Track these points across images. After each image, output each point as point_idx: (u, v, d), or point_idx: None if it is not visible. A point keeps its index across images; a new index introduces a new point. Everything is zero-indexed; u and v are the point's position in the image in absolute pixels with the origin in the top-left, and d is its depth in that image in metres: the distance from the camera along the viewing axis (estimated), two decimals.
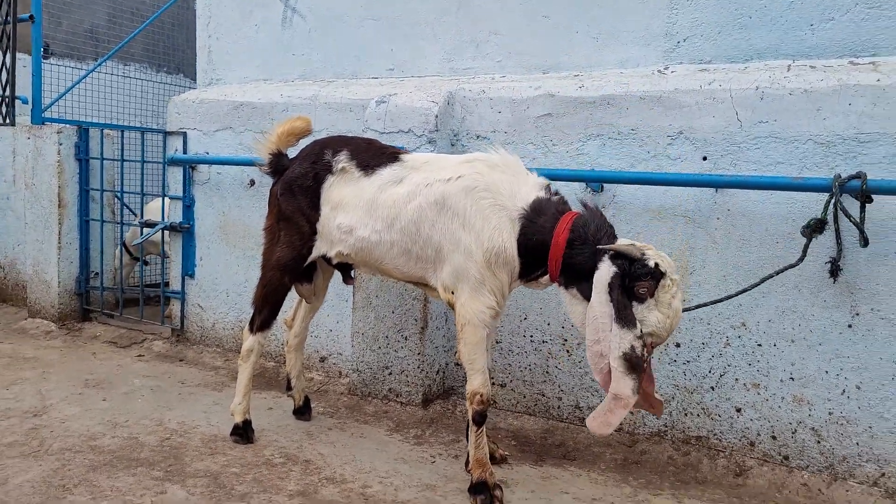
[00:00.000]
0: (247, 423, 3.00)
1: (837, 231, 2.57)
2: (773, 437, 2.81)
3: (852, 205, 2.53)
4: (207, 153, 4.18)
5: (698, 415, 2.95)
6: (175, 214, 4.29)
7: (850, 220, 2.48)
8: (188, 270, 4.28)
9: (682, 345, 2.96)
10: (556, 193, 2.47)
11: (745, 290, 2.67)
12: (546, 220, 2.39)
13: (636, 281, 2.20)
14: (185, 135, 4.25)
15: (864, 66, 2.66)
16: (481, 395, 2.51)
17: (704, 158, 2.88)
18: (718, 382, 2.91)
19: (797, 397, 2.77)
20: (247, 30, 4.25)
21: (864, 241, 2.51)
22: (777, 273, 2.62)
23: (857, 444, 2.66)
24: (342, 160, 2.76)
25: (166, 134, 4.32)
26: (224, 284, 4.19)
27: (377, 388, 3.46)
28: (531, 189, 2.46)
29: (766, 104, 2.75)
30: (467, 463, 2.61)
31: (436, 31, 3.64)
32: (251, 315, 3.01)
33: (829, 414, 2.71)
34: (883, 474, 2.62)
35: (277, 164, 2.96)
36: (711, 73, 2.92)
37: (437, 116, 3.28)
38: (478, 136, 3.36)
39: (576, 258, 2.33)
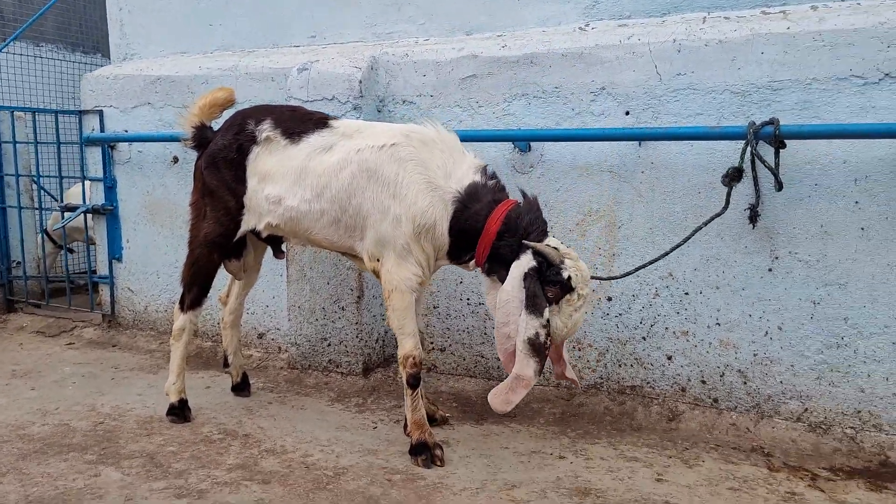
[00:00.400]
0: (183, 403, 2.94)
1: (755, 178, 2.65)
2: (703, 382, 2.91)
3: (768, 152, 2.61)
4: (126, 131, 4.01)
5: (632, 365, 3.03)
6: (97, 197, 4.12)
7: (765, 165, 2.56)
8: (115, 254, 4.13)
9: (614, 298, 3.03)
10: (493, 177, 2.48)
11: (677, 246, 2.71)
12: (480, 208, 2.40)
13: (546, 285, 2.29)
14: (101, 113, 4.06)
15: (775, 16, 2.73)
16: (413, 358, 2.52)
17: (627, 113, 2.91)
18: (649, 332, 2.98)
19: (724, 342, 2.87)
20: (160, 1, 4.06)
21: (779, 186, 2.60)
22: (705, 224, 2.68)
23: (781, 382, 2.78)
24: (266, 129, 2.68)
25: (81, 113, 4.13)
26: (154, 266, 4.06)
27: (317, 360, 3.43)
28: (467, 171, 2.45)
29: (683, 56, 2.79)
30: (405, 427, 2.63)
31: None
32: (181, 294, 2.92)
33: (754, 356, 2.82)
34: (805, 409, 2.75)
35: (201, 137, 2.86)
36: (630, 27, 2.95)
37: (360, 82, 3.22)
38: (403, 101, 3.31)
39: (503, 249, 2.38)
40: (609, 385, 3.07)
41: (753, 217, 2.72)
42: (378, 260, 2.53)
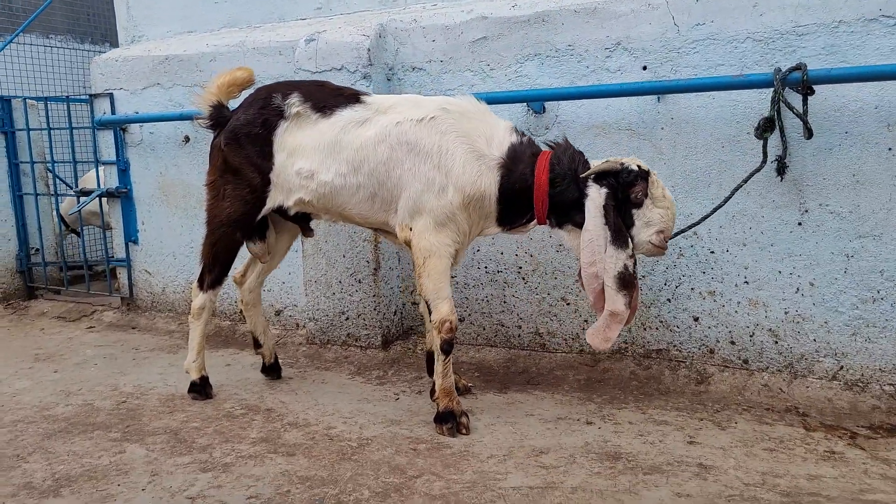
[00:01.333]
0: (204, 380, 2.92)
1: (781, 128, 2.54)
2: (732, 343, 2.83)
3: (795, 100, 2.50)
4: (137, 112, 3.98)
5: (657, 328, 2.95)
6: (111, 180, 4.11)
7: (794, 112, 2.45)
8: (131, 237, 4.12)
9: (637, 260, 2.94)
10: (524, 134, 2.46)
11: (719, 206, 2.61)
12: (525, 167, 2.39)
13: (630, 188, 2.29)
14: (111, 96, 4.04)
15: None
16: (450, 322, 2.46)
17: (644, 68, 2.81)
18: (674, 294, 2.90)
19: (752, 300, 2.78)
20: None
21: (809, 133, 2.49)
22: (745, 181, 2.57)
23: (815, 340, 2.69)
24: (295, 103, 2.60)
25: (92, 97, 4.11)
26: (170, 247, 4.05)
27: (335, 334, 3.39)
28: (503, 135, 2.43)
29: (701, 5, 2.68)
30: (433, 393, 2.58)
31: None
32: (200, 272, 2.86)
33: (785, 314, 2.73)
34: (841, 367, 2.66)
35: (219, 116, 2.77)
36: None
37: (369, 50, 3.15)
38: (413, 68, 3.24)
39: (561, 195, 2.37)
40: (634, 349, 3.00)
41: (781, 169, 2.62)
42: (411, 229, 2.47)
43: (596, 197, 2.29)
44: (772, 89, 2.48)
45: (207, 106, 2.78)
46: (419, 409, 2.72)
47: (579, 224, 2.35)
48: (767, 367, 2.77)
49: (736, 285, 2.80)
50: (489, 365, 3.16)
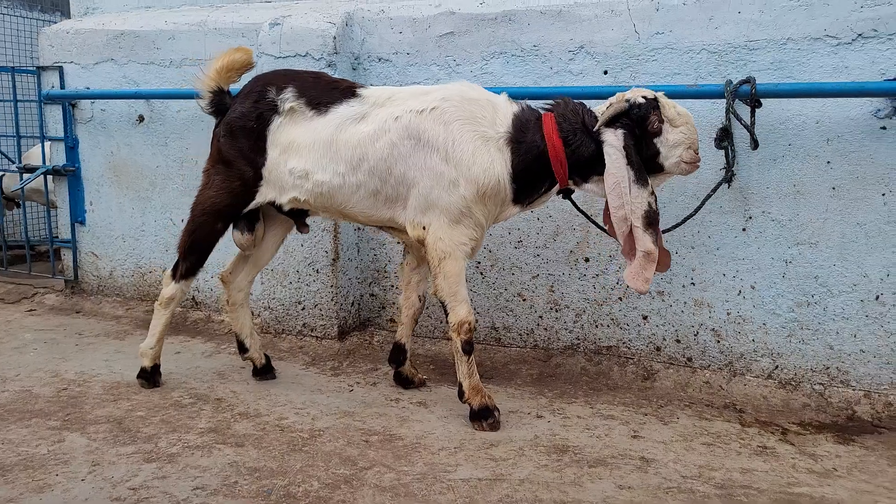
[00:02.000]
0: (155, 368, 2.85)
1: (730, 138, 2.66)
2: (678, 341, 2.95)
3: (744, 111, 2.62)
4: (88, 88, 3.85)
5: (608, 325, 3.05)
6: (58, 157, 3.96)
7: (742, 123, 2.57)
8: (78, 217, 3.98)
9: (591, 259, 3.03)
10: (521, 102, 2.45)
11: (690, 216, 2.69)
12: (533, 134, 2.37)
13: (645, 121, 2.30)
14: (61, 69, 3.89)
15: None
16: (469, 324, 2.46)
17: (605, 73, 2.89)
18: (626, 293, 3.00)
19: (698, 301, 2.90)
20: None
21: (755, 144, 2.61)
22: (713, 191, 2.65)
23: (753, 340, 2.83)
24: (289, 98, 2.53)
25: (40, 69, 3.94)
26: (119, 230, 3.93)
27: (291, 324, 3.37)
28: (505, 108, 2.41)
29: (661, 15, 2.78)
30: (461, 395, 2.52)
31: None
32: (175, 261, 2.76)
33: (728, 314, 2.86)
34: (776, 367, 2.80)
35: (219, 102, 2.67)
36: None
37: (335, 38, 3.13)
38: (380, 59, 3.23)
39: (578, 150, 2.36)
40: (586, 345, 3.09)
41: (729, 179, 2.73)
42: (424, 228, 2.43)
43: (614, 140, 2.29)
44: (724, 100, 2.59)
45: (207, 91, 2.67)
46: (373, 400, 2.74)
47: (601, 173, 2.34)
48: (709, 365, 2.90)
49: (683, 286, 2.91)
50: (445, 358, 3.20)
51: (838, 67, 2.59)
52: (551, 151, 2.35)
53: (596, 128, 2.32)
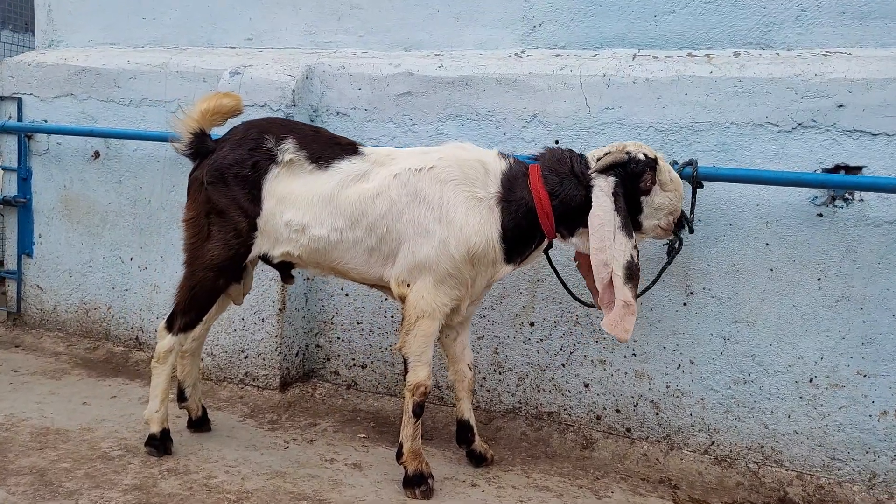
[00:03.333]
0: (165, 433, 2.67)
1: (681, 217, 2.69)
2: (618, 411, 2.96)
3: (687, 190, 2.67)
4: (46, 121, 3.82)
5: (550, 391, 3.05)
6: (10, 187, 3.90)
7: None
8: (25, 248, 3.91)
9: (536, 323, 3.05)
10: (509, 157, 2.46)
11: (649, 287, 2.72)
12: (521, 191, 2.37)
13: (639, 178, 2.33)
14: (20, 100, 3.86)
15: (700, 59, 2.81)
16: (426, 387, 2.44)
17: (556, 142, 2.94)
18: (569, 359, 3.01)
19: (638, 372, 2.92)
20: None
21: (690, 229, 2.64)
22: (668, 264, 2.69)
23: (691, 414, 2.85)
24: (289, 150, 2.49)
25: None
26: (66, 264, 3.87)
27: (233, 372, 3.32)
28: (494, 166, 2.41)
29: (612, 91, 2.85)
30: (399, 456, 2.49)
31: (296, 2, 3.49)
32: (171, 313, 2.65)
33: (667, 387, 2.88)
34: (713, 443, 2.82)
35: (200, 145, 2.59)
36: (564, 58, 2.98)
37: (294, 91, 3.16)
38: (338, 113, 3.26)
39: (566, 201, 2.36)
40: (527, 410, 3.08)
41: (671, 254, 2.76)
42: (408, 285, 2.42)
43: (604, 185, 2.30)
44: None
45: (188, 133, 2.57)
46: (307, 460, 2.69)
47: (588, 225, 2.33)
48: (648, 437, 2.91)
49: (625, 356, 2.93)
50: (386, 415, 3.17)
51: (779, 153, 2.67)
52: (538, 205, 2.35)
53: (589, 173, 2.34)
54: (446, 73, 3.08)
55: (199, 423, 2.89)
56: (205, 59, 3.54)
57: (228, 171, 2.54)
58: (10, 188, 3.91)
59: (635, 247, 2.30)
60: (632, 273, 2.27)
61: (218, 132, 2.69)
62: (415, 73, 3.12)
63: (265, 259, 2.64)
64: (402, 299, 2.46)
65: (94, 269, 3.82)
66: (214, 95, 2.65)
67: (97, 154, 3.73)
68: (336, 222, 2.47)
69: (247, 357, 3.29)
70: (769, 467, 2.73)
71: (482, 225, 2.36)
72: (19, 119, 3.86)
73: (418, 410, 2.46)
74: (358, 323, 3.31)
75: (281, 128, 2.60)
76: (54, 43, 4.02)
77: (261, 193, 2.53)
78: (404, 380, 2.48)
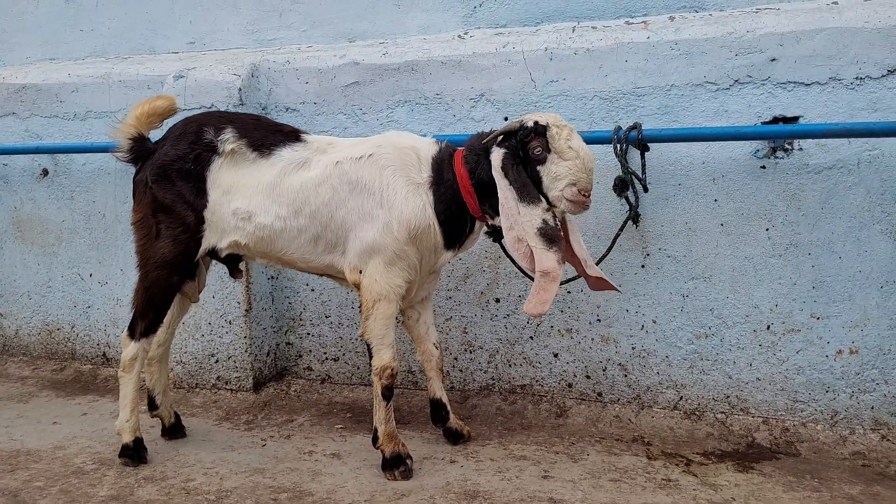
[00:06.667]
0: (138, 442, 2.64)
1: (631, 180, 2.77)
2: (588, 377, 3.02)
3: (636, 154, 2.74)
4: None
5: (521, 364, 3.09)
6: None
7: (628, 171, 2.69)
8: None
9: (501, 300, 3.09)
10: (442, 142, 2.49)
11: (604, 256, 2.77)
12: (448, 173, 2.40)
13: (527, 147, 2.27)
14: None
15: (637, 25, 2.87)
16: (392, 369, 2.46)
17: (506, 119, 2.98)
18: (536, 332, 3.06)
19: (604, 337, 2.98)
20: (25, 4, 3.83)
21: (645, 189, 2.73)
22: (620, 231, 2.75)
23: (658, 373, 2.92)
24: (229, 140, 2.50)
25: None
26: (24, 287, 3.79)
27: (204, 377, 3.30)
28: (427, 152, 2.45)
29: (555, 64, 2.89)
30: (375, 441, 2.51)
31: (236, 2, 3.48)
32: (131, 320, 2.62)
33: (633, 349, 2.95)
34: (681, 398, 2.89)
35: (140, 149, 2.59)
36: (506, 36, 3.03)
37: (240, 90, 3.14)
38: (287, 109, 3.26)
39: (480, 176, 2.36)
40: (500, 385, 3.13)
41: (636, 218, 2.82)
42: (360, 271, 2.44)
43: (495, 159, 2.30)
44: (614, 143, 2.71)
45: (126, 139, 2.58)
46: (285, 454, 2.70)
47: None
48: (618, 400, 2.98)
49: (590, 323, 2.99)
50: (362, 405, 3.18)
51: (719, 111, 2.75)
52: (460, 184, 2.39)
53: (485, 142, 2.35)
54: (392, 60, 3.09)
55: (174, 430, 2.87)
56: (147, 65, 3.50)
57: (171, 167, 2.55)
58: None
59: (548, 209, 2.26)
60: (549, 236, 2.22)
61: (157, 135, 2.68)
62: (360, 63, 3.13)
63: (213, 254, 2.64)
64: (357, 286, 2.49)
65: (54, 289, 3.75)
66: (148, 99, 2.67)
67: (45, 172, 3.66)
68: (280, 210, 2.49)
69: (217, 361, 3.28)
70: (736, 416, 2.82)
71: (421, 209, 2.40)
72: None
73: (387, 393, 2.48)
74: (326, 317, 3.31)
75: (219, 119, 2.61)
76: None
77: (205, 185, 2.54)
78: (370, 366, 2.50)
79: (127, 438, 2.64)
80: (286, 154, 2.51)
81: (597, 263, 2.67)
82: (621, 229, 2.77)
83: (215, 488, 2.43)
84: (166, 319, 2.78)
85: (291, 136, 2.56)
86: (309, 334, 3.36)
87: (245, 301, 3.21)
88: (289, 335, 3.40)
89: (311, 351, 3.37)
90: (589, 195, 2.28)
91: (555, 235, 2.23)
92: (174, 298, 2.69)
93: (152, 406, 2.83)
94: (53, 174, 3.64)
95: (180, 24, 3.58)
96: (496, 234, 2.49)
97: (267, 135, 2.55)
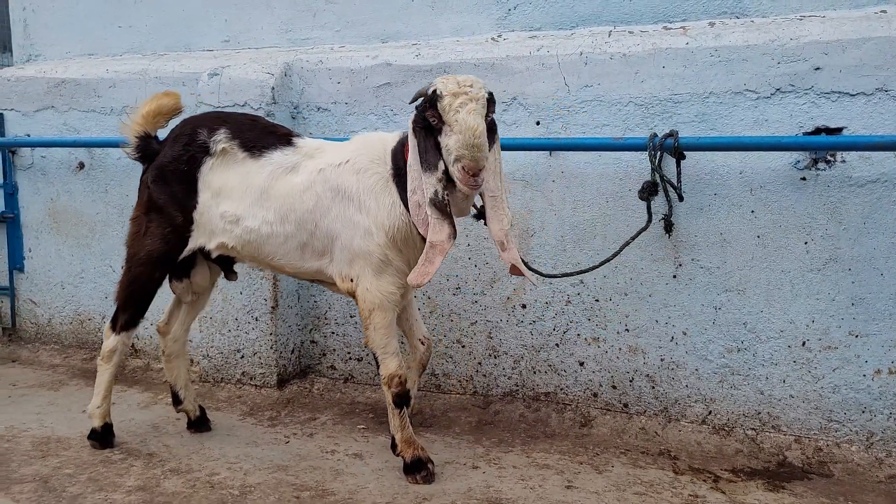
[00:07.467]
0: (107, 427, 2.74)
1: (665, 188, 2.71)
2: (614, 387, 2.97)
3: (670, 162, 2.69)
4: (28, 135, 3.82)
5: (546, 371, 3.06)
6: None
7: (664, 180, 2.63)
8: (16, 264, 3.92)
9: (528, 305, 3.06)
10: (404, 133, 2.38)
11: (607, 260, 2.72)
12: (401, 159, 2.31)
13: (426, 114, 2.15)
14: (1, 116, 3.86)
15: (676, 31, 2.82)
16: (399, 377, 2.45)
17: (538, 123, 2.95)
18: (562, 339, 3.02)
19: (632, 347, 2.93)
20: (66, 0, 3.89)
21: (680, 198, 2.67)
22: (633, 238, 2.70)
23: (687, 386, 2.86)
24: (221, 140, 2.51)
25: None
26: (58, 277, 3.87)
27: (229, 372, 3.33)
28: (389, 145, 2.39)
29: (590, 69, 2.85)
30: (394, 448, 2.51)
31: (271, 1, 3.49)
32: (114, 312, 2.68)
33: (661, 360, 2.89)
34: (710, 412, 2.83)
35: (146, 148, 2.62)
36: (541, 39, 2.99)
37: (273, 88, 3.16)
38: (318, 108, 3.27)
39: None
40: (524, 392, 3.09)
41: (668, 227, 2.77)
42: (352, 280, 2.42)
43: (409, 122, 2.23)
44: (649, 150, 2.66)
45: (133, 137, 2.62)
46: (308, 453, 2.70)
47: None
48: (645, 411, 2.92)
49: (618, 332, 2.95)
50: (384, 406, 3.11)
51: (759, 120, 2.68)
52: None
53: (410, 102, 2.26)
54: (424, 62, 3.08)
55: (199, 424, 2.90)
56: (183, 63, 3.54)
57: (167, 168, 2.59)
58: None
59: (441, 180, 2.15)
60: (439, 207, 2.15)
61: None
62: (393, 64, 3.12)
63: (204, 255, 2.67)
64: (351, 295, 2.47)
65: (86, 279, 3.82)
66: (155, 96, 2.69)
67: (82, 165, 3.73)
68: (267, 215, 2.48)
69: (243, 357, 3.30)
70: (767, 433, 2.75)
71: (392, 205, 2.34)
72: (2, 134, 3.86)
73: (399, 401, 2.47)
74: (351, 317, 3.31)
75: (215, 120, 2.62)
76: (32, 57, 4.02)
77: (196, 187, 2.56)
78: (378, 374, 2.49)
79: (96, 423, 2.74)
80: (276, 157, 2.49)
81: (600, 265, 2.68)
82: (635, 236, 2.70)
83: (239, 483, 2.45)
84: (178, 316, 2.85)
85: (284, 139, 2.54)
86: (333, 333, 3.37)
87: (272, 298, 3.23)
88: (313, 333, 3.41)
89: (334, 350, 3.37)
90: (476, 175, 2.09)
91: (442, 208, 2.16)
92: (155, 294, 2.69)
93: (176, 401, 2.87)
94: (89, 167, 3.70)
95: (215, 22, 3.61)
96: (480, 214, 2.41)
97: (260, 136, 2.54)
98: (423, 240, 2.26)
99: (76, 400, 3.25)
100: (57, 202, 3.81)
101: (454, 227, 2.17)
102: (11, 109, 3.86)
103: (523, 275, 2.34)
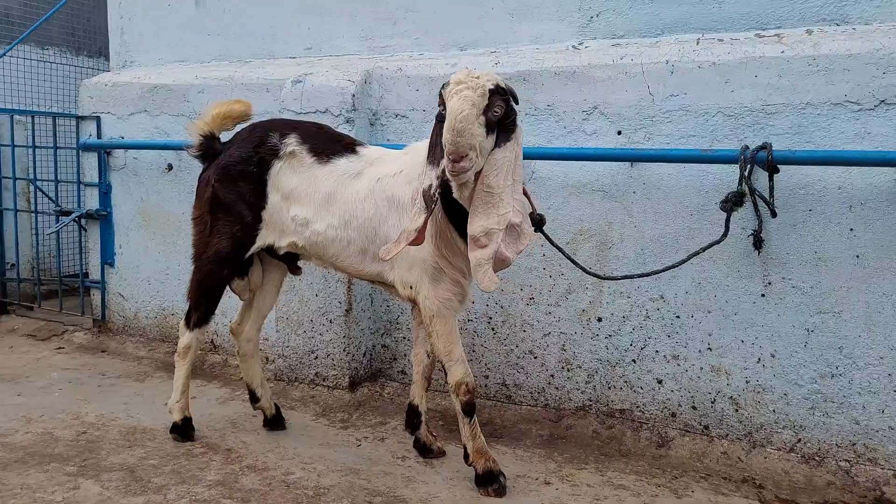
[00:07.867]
0: (186, 421, 2.84)
1: (755, 202, 2.58)
2: (694, 408, 2.86)
3: (761, 176, 2.56)
4: (122, 137, 4.02)
5: (621, 388, 2.97)
6: (91, 202, 4.12)
7: (756, 194, 2.51)
8: (107, 259, 4.13)
9: (604, 319, 2.98)
10: None
11: (671, 267, 2.63)
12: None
13: (440, 107, 2.16)
14: (98, 119, 4.08)
15: (770, 39, 2.69)
16: (466, 385, 2.44)
17: (619, 133, 2.88)
18: (640, 355, 2.93)
19: (715, 367, 2.81)
20: (160, 10, 4.08)
21: (772, 213, 2.55)
22: (702, 250, 2.59)
23: (774, 411, 2.72)
24: (291, 143, 2.60)
25: (79, 119, 4.14)
26: (145, 272, 4.06)
27: (303, 372, 3.40)
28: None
29: (676, 78, 2.76)
30: (466, 457, 2.50)
31: (352, 10, 3.55)
32: (187, 310, 2.79)
33: (746, 382, 2.77)
34: (799, 440, 2.69)
35: (209, 147, 2.72)
36: (624, 47, 2.92)
37: (354, 96, 3.21)
38: (396, 115, 3.29)
39: None
40: (598, 407, 3.02)
41: (758, 243, 2.64)
42: (412, 287, 2.44)
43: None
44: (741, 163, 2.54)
45: (198, 135, 2.72)
46: (379, 457, 2.72)
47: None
48: (727, 435, 2.80)
49: (699, 351, 2.83)
50: (454, 414, 3.13)
51: (861, 133, 2.52)
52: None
53: (440, 92, 2.19)
54: (503, 70, 3.05)
55: (274, 422, 2.97)
56: (267, 70, 3.64)
57: (234, 168, 2.66)
58: (92, 202, 4.13)
59: (439, 177, 2.15)
60: (425, 199, 2.17)
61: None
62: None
63: (271, 251, 2.72)
64: (414, 302, 2.48)
65: (171, 276, 3.99)
66: (226, 101, 2.79)
67: (170, 167, 3.89)
68: (332, 220, 2.54)
69: (316, 358, 3.36)
70: (862, 466, 2.58)
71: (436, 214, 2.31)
72: (98, 136, 4.08)
73: (468, 409, 2.45)
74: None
75: (285, 125, 2.70)
76: (127, 63, 4.23)
77: (266, 188, 2.63)
78: (447, 383, 2.47)
79: (176, 417, 2.84)
80: (342, 164, 2.55)
81: (662, 271, 2.60)
82: (707, 247, 2.56)
83: (313, 484, 2.49)
84: (250, 317, 2.93)
85: (349, 147, 2.60)
86: (405, 338, 3.39)
87: (346, 301, 3.28)
88: (385, 338, 3.44)
89: (405, 355, 3.39)
90: (459, 160, 2.02)
91: (428, 201, 2.17)
92: (224, 290, 2.78)
93: (253, 398, 2.95)
94: (177, 169, 3.87)
95: (299, 30, 3.70)
96: (537, 224, 2.46)
97: (327, 143, 2.61)
98: (465, 243, 2.24)
99: (160, 392, 3.39)
100: (146, 202, 4.00)
101: (425, 223, 2.17)
102: (108, 113, 4.07)
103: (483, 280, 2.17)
